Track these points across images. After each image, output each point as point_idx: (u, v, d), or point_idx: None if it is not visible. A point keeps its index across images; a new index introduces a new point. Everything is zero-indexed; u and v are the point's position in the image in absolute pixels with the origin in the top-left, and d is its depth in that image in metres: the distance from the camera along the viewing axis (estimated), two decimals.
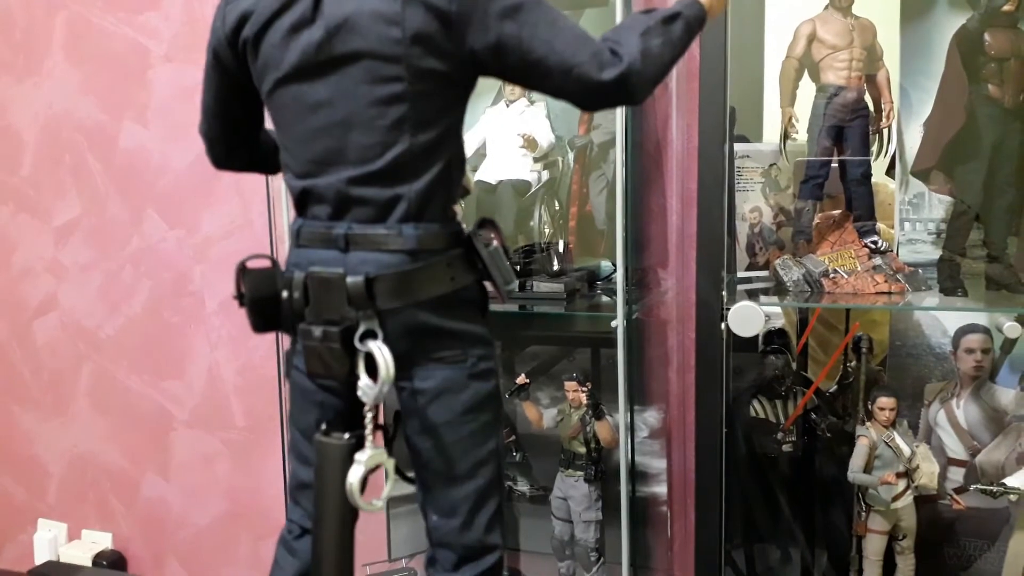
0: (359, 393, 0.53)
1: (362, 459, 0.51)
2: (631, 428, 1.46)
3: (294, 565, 0.58)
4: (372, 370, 0.53)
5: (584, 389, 1.52)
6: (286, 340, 1.73)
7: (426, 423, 0.52)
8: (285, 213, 1.66)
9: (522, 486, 1.68)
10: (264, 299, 0.57)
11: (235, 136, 0.67)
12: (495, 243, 0.57)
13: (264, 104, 0.67)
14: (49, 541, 2.12)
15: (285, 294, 0.55)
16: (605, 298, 1.50)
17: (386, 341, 0.51)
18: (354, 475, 0.51)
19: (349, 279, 0.52)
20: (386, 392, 0.52)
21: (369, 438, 0.53)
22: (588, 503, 1.52)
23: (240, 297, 0.58)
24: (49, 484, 2.18)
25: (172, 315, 1.98)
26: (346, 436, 0.54)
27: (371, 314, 0.50)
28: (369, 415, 0.53)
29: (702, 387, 1.35)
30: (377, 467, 0.54)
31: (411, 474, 0.59)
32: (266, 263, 0.60)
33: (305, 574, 0.59)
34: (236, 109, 0.66)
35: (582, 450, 1.53)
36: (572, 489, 1.54)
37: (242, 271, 0.60)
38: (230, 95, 0.67)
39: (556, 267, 1.54)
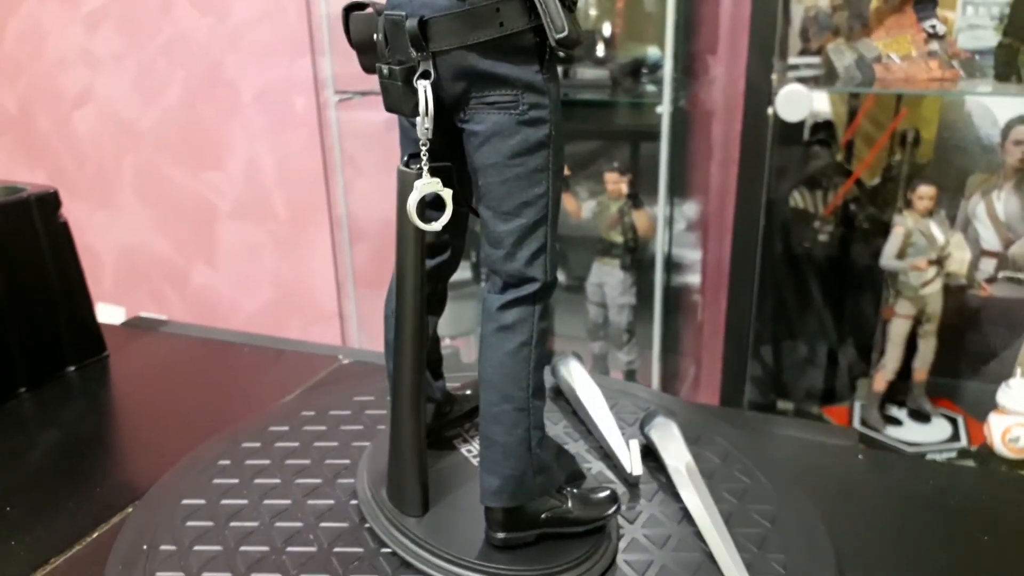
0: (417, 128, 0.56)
1: (419, 186, 0.56)
2: (670, 218, 1.48)
3: None
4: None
5: (624, 180, 1.53)
6: (328, 134, 1.75)
7: (478, 163, 0.55)
8: None
9: (558, 276, 1.73)
10: (365, 42, 0.59)
11: None
12: None
13: None
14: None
15: (375, 37, 0.57)
16: (651, 87, 1.47)
17: (440, 82, 0.53)
18: (412, 199, 0.56)
19: (408, 21, 0.53)
20: (429, 128, 0.54)
21: (425, 169, 0.56)
22: (623, 288, 1.58)
23: (349, 40, 0.62)
24: (103, 271, 2.28)
25: (208, 107, 1.99)
26: (416, 168, 0.58)
27: (427, 55, 0.53)
28: (423, 148, 0.56)
29: (744, 174, 1.36)
30: (437, 197, 0.57)
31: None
32: (368, 9, 0.62)
33: None
34: None
35: (619, 240, 1.56)
36: (608, 276, 1.59)
37: (348, 15, 0.62)
38: None
39: (601, 53, 1.51)
